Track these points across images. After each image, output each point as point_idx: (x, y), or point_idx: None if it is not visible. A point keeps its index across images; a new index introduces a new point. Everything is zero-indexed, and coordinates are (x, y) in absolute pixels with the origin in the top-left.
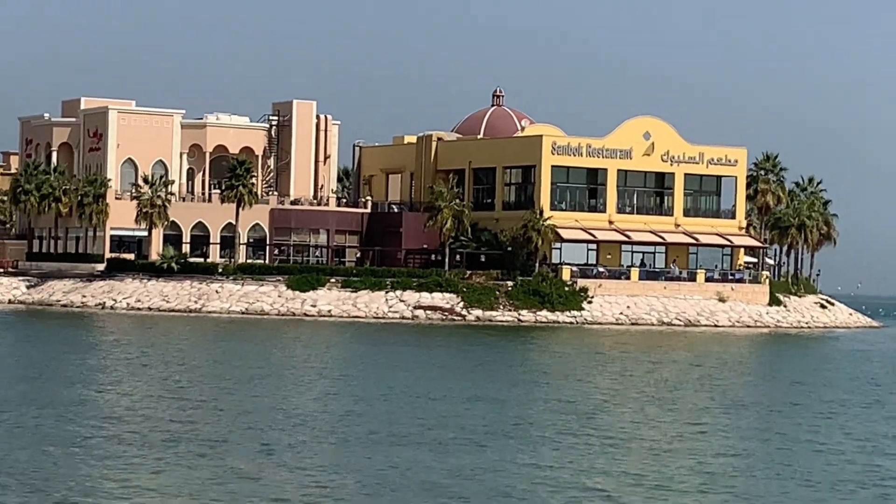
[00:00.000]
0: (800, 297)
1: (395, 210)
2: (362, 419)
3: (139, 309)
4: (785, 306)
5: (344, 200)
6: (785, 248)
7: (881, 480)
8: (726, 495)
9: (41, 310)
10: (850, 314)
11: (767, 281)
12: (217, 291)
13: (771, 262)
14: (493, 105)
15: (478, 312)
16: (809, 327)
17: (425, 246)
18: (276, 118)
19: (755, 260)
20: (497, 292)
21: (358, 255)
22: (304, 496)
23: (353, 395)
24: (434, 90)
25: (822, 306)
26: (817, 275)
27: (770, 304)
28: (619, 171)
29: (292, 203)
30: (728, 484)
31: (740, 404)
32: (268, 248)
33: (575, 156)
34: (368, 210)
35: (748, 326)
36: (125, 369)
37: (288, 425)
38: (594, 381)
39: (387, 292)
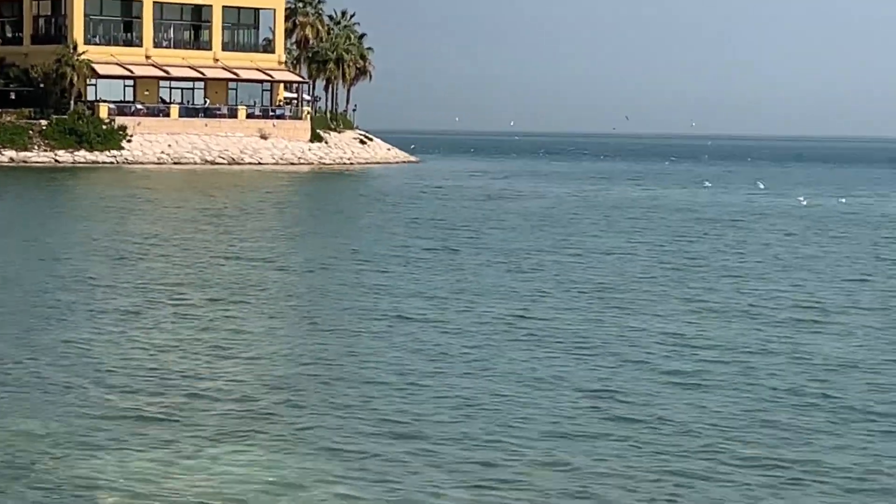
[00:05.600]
0: (339, 132)
1: None
2: None
3: None
4: (326, 142)
5: None
6: (323, 84)
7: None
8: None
9: None
10: (389, 149)
11: (308, 117)
12: None
13: (308, 97)
14: None
15: (11, 153)
16: (351, 163)
17: None
18: None
19: (294, 96)
20: (31, 132)
21: None
22: None
23: None
24: None
25: (362, 142)
26: (353, 110)
27: (312, 141)
28: (154, 3)
29: None
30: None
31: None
32: None
33: None
34: None
35: (291, 164)
36: None
37: None
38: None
39: None
